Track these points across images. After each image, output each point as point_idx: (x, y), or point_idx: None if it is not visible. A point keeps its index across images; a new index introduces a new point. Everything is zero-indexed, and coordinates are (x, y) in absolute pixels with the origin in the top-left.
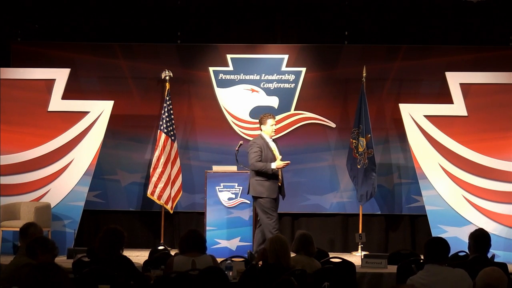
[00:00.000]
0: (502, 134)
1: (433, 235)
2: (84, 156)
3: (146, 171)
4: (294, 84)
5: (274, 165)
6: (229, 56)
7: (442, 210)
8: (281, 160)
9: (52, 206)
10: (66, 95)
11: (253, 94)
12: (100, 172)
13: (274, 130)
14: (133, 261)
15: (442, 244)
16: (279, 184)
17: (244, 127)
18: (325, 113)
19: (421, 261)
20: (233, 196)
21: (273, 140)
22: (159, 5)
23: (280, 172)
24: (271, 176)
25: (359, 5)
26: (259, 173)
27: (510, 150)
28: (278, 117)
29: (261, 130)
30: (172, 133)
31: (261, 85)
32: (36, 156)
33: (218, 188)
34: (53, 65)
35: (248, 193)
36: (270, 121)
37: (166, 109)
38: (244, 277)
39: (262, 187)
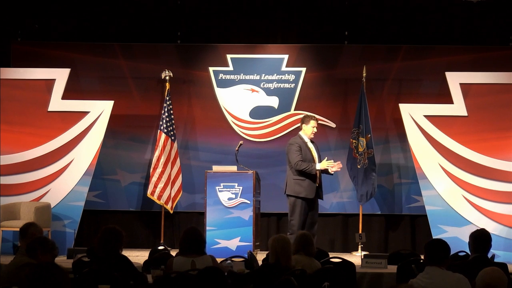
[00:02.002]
0: (502, 134)
1: (433, 235)
2: (84, 156)
3: (146, 171)
4: (294, 84)
5: (319, 166)
6: (229, 56)
7: (442, 210)
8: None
9: (52, 206)
10: (66, 95)
11: (253, 94)
12: (100, 172)
13: (314, 132)
14: (133, 261)
15: (442, 246)
16: (317, 185)
17: (244, 127)
18: (325, 113)
19: (421, 261)
20: (233, 196)
21: (312, 141)
22: (159, 5)
23: (318, 172)
24: (310, 176)
25: (359, 5)
26: (300, 172)
27: (510, 150)
28: (278, 117)
29: (301, 129)
30: (172, 133)
31: (261, 85)
32: (36, 156)
33: (218, 188)
34: (53, 65)
35: (285, 192)
36: (312, 123)
37: (166, 109)
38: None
39: (301, 186)
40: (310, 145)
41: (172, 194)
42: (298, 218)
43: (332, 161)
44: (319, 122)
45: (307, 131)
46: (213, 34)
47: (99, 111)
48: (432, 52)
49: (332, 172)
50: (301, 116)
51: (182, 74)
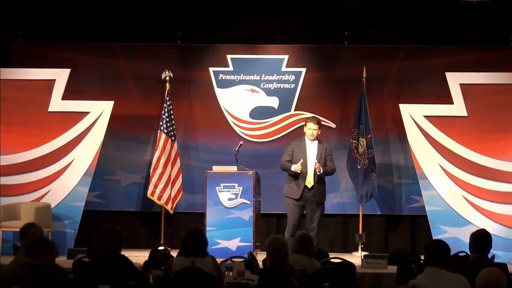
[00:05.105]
0: (502, 135)
1: (433, 235)
2: (84, 157)
3: (146, 172)
4: (294, 85)
5: (293, 167)
6: (229, 56)
7: (442, 210)
8: (318, 163)
9: (52, 207)
10: (66, 96)
11: (253, 95)
12: (100, 172)
13: (313, 134)
14: (133, 261)
15: (442, 246)
16: (308, 186)
17: (244, 128)
18: (325, 113)
19: (421, 261)
20: (233, 196)
21: (319, 141)
22: (159, 5)
23: (309, 173)
24: (297, 176)
25: (359, 5)
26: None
27: (510, 151)
28: (278, 118)
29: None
30: (172, 133)
31: (261, 86)
32: (37, 156)
33: (218, 189)
34: (53, 65)
35: None
36: (308, 125)
37: (166, 110)
38: None
39: (288, 186)
40: (311, 146)
41: (172, 195)
42: (290, 217)
43: (300, 165)
44: None
45: (306, 132)
46: (213, 34)
47: (99, 111)
48: (432, 52)
49: (318, 173)
50: (303, 116)
51: (182, 74)
